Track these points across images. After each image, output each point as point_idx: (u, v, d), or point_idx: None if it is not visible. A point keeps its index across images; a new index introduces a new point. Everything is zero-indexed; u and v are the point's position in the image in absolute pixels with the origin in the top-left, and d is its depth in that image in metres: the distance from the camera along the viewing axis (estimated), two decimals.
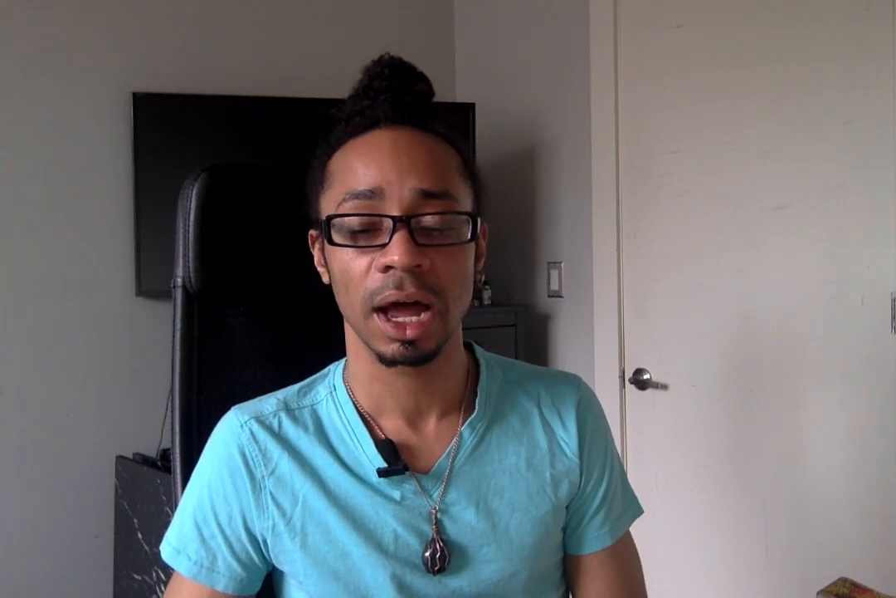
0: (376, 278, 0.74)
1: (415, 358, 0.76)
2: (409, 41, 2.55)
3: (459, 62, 2.67)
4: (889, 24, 1.64)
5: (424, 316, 0.75)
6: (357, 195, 0.75)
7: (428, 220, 0.75)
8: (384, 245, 0.74)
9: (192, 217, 1.01)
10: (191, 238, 1.01)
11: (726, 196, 1.92)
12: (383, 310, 0.75)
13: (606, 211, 2.18)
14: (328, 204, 0.79)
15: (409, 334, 0.74)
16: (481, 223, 0.81)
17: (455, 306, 0.78)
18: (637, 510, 0.96)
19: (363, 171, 0.76)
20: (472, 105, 2.36)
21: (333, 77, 2.35)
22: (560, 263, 2.38)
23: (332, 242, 0.76)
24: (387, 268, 0.74)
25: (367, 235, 0.75)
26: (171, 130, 2.16)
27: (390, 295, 0.74)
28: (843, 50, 1.71)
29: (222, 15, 2.31)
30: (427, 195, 0.75)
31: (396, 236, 0.73)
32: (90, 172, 2.13)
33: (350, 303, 0.77)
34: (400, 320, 0.75)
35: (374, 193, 0.75)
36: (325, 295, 0.85)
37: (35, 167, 2.07)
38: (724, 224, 1.93)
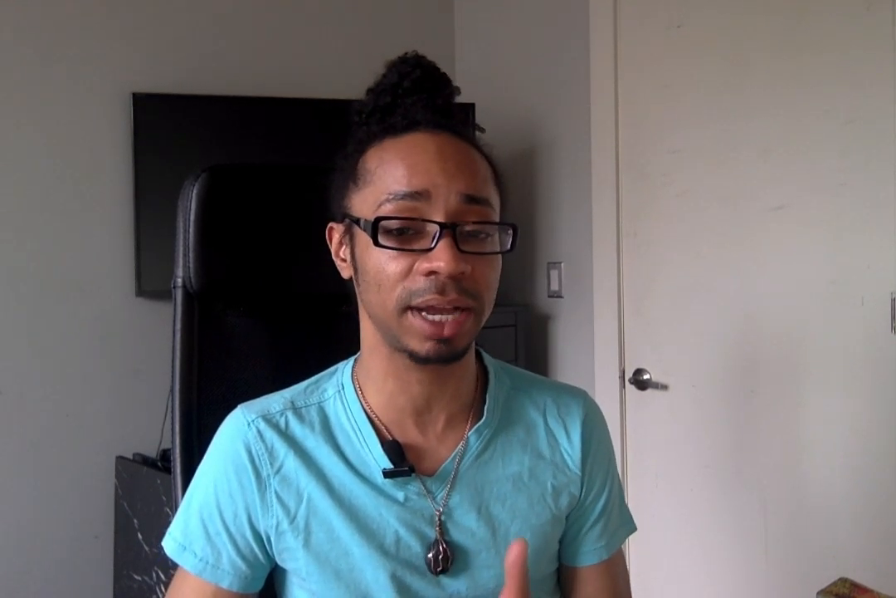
0: (417, 280, 0.75)
1: (448, 356, 0.77)
2: (409, 41, 2.53)
3: (459, 62, 2.67)
4: (889, 24, 1.64)
5: (461, 315, 0.76)
6: (403, 196, 0.75)
7: (470, 226, 0.76)
8: (428, 250, 0.74)
9: (192, 217, 1.01)
10: (191, 238, 1.01)
11: (726, 196, 1.92)
12: (419, 309, 0.76)
13: (606, 211, 2.18)
14: (365, 203, 0.79)
15: (447, 331, 0.75)
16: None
17: (488, 310, 0.80)
18: (631, 528, 0.97)
19: (408, 172, 0.76)
20: (472, 105, 2.36)
21: (333, 77, 2.36)
22: (560, 263, 2.38)
23: (377, 244, 0.76)
24: (430, 273, 0.74)
25: (407, 236, 0.76)
26: (171, 130, 2.16)
27: (431, 299, 0.75)
28: (843, 50, 1.71)
29: (222, 15, 2.31)
30: (471, 200, 0.76)
31: (442, 243, 0.74)
32: (90, 171, 2.13)
33: (381, 301, 0.77)
34: (437, 318, 0.75)
35: (420, 196, 0.75)
36: (326, 296, 0.85)
37: (35, 167, 2.07)
38: (724, 224, 1.93)
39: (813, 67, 1.76)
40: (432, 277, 0.74)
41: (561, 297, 2.39)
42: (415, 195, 0.75)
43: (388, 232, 0.76)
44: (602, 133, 2.19)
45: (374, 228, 0.75)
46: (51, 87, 2.08)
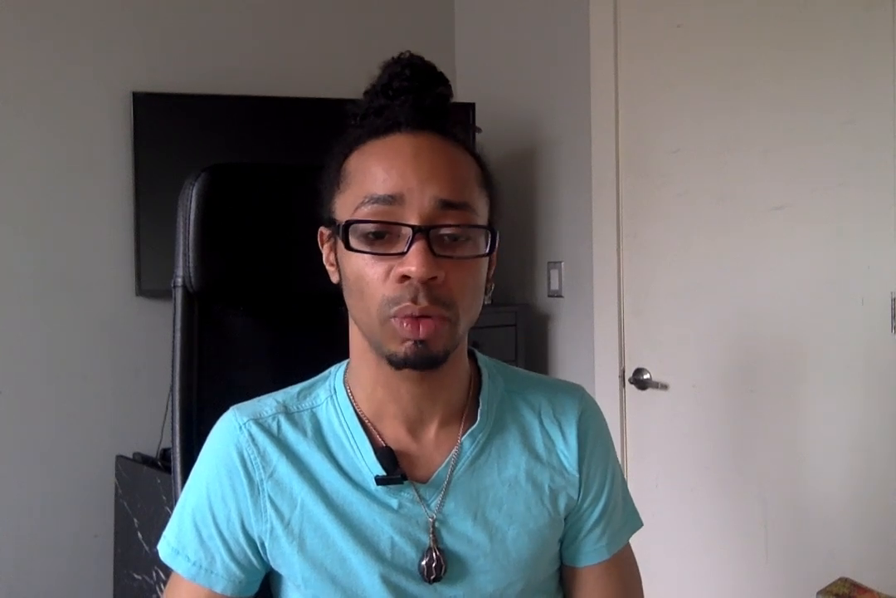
0: (394, 288, 0.74)
1: (425, 359, 0.75)
2: (409, 41, 2.53)
3: (459, 62, 2.67)
4: (889, 25, 1.64)
5: (434, 320, 0.74)
6: (376, 200, 0.74)
7: (446, 230, 0.75)
8: (402, 253, 0.73)
9: (192, 217, 1.01)
10: (191, 238, 1.01)
11: (726, 196, 1.92)
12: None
13: (606, 211, 2.18)
14: (344, 206, 0.78)
15: (422, 333, 0.74)
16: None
17: (465, 316, 0.78)
18: (636, 524, 0.95)
19: (383, 175, 0.75)
20: (473, 105, 2.36)
21: (333, 77, 2.36)
22: (560, 263, 2.38)
23: (349, 248, 0.75)
24: (403, 278, 0.73)
25: (383, 240, 0.75)
26: (171, 130, 2.16)
27: (406, 307, 0.73)
28: (842, 50, 1.71)
29: (222, 15, 2.31)
30: (447, 205, 0.75)
31: (415, 246, 0.73)
32: (90, 171, 2.13)
33: (365, 308, 0.76)
34: (413, 320, 0.74)
35: (394, 199, 0.74)
36: (325, 296, 0.85)
37: (35, 167, 2.07)
38: (724, 224, 1.93)
39: (813, 67, 1.76)
40: (406, 282, 0.73)
41: (561, 296, 2.39)
42: (388, 199, 0.74)
43: (364, 236, 0.75)
44: (602, 133, 2.19)
45: (346, 232, 0.75)
46: (51, 87, 2.08)
